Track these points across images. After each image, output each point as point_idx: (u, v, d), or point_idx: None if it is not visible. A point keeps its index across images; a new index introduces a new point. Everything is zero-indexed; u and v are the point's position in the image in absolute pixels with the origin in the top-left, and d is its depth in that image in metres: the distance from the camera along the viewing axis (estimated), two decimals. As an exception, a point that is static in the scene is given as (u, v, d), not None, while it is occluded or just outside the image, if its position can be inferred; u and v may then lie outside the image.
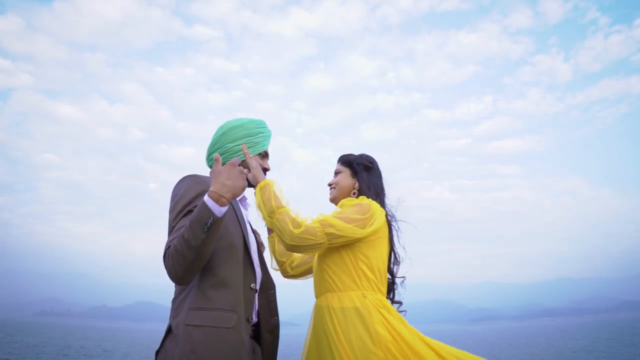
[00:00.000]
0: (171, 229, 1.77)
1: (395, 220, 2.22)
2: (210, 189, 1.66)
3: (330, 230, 1.92)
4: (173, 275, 1.70)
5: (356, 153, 2.35)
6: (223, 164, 2.01)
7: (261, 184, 2.01)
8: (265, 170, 2.15)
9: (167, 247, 1.71)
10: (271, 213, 1.95)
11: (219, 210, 1.64)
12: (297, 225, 1.90)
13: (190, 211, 1.77)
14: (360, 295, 1.97)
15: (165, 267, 1.71)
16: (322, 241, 1.91)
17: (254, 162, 2.05)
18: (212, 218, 1.62)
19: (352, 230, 1.94)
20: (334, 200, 2.24)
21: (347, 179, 2.25)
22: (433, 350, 1.87)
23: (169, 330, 1.80)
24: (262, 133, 2.14)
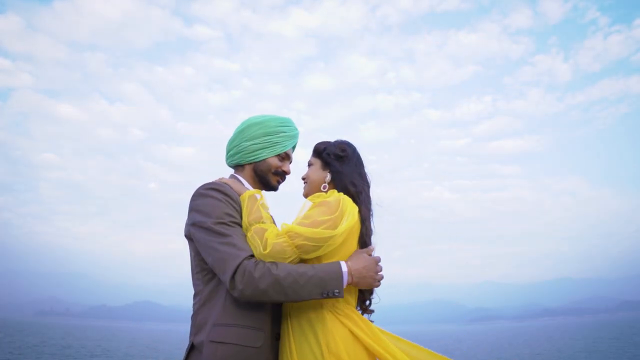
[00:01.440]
0: (210, 232, 1.69)
1: (372, 217, 1.95)
2: (352, 266, 1.69)
3: (300, 241, 1.67)
4: (251, 294, 1.61)
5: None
6: (238, 164, 1.99)
7: (243, 195, 1.84)
8: (284, 173, 2.02)
9: (260, 260, 1.64)
10: (246, 229, 1.76)
11: (344, 286, 1.67)
12: (265, 245, 1.66)
13: (233, 224, 1.73)
14: (317, 304, 1.77)
15: (250, 282, 1.60)
16: (293, 256, 1.68)
17: (226, 179, 1.93)
18: (338, 291, 1.64)
19: (323, 234, 1.68)
20: (307, 196, 1.97)
21: (317, 171, 1.99)
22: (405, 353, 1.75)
23: (191, 348, 1.71)
24: (284, 132, 1.98)
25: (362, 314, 1.92)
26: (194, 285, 1.81)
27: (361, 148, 2.14)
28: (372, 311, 1.96)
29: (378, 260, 1.78)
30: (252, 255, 1.66)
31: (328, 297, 1.65)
